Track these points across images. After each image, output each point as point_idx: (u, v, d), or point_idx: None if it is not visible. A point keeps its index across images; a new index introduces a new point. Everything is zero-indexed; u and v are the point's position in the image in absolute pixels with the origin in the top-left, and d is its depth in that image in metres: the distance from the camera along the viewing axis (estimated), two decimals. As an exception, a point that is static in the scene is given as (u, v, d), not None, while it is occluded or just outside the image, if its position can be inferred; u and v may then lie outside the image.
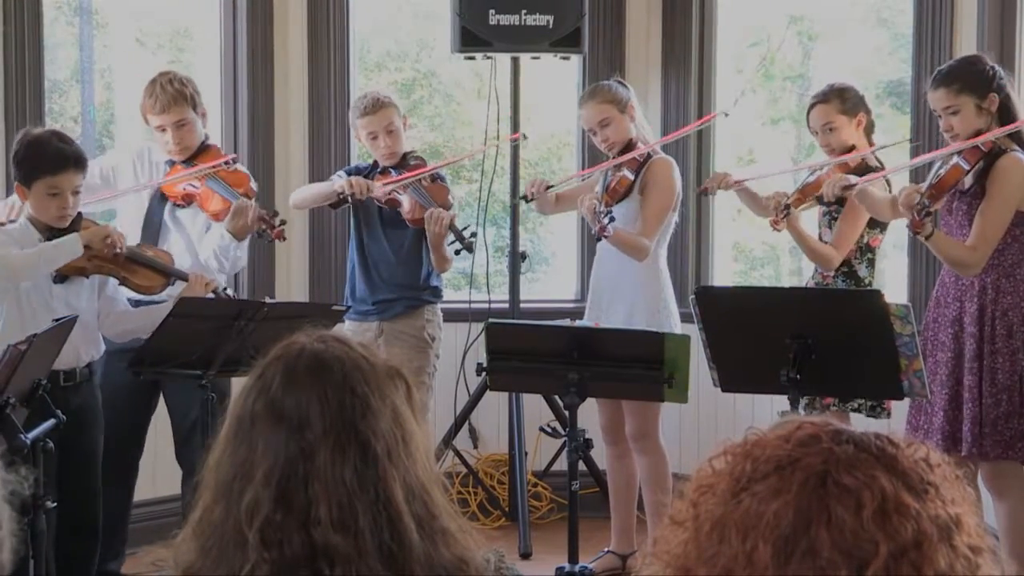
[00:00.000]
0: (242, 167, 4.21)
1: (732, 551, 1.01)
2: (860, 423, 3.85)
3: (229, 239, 3.98)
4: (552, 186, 4.39)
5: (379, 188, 4.31)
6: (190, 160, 4.07)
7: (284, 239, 4.17)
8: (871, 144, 4.17)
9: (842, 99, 4.09)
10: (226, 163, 4.08)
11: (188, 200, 4.06)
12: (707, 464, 1.09)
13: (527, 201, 4.42)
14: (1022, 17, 4.40)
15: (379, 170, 4.43)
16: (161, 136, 4.04)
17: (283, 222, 4.09)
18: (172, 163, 4.08)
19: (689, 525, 1.06)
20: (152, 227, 4.04)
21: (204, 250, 4.03)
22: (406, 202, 4.33)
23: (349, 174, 4.50)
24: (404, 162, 4.39)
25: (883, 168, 4.14)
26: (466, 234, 4.25)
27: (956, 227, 3.70)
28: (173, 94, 3.97)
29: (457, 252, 4.32)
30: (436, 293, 4.48)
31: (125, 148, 4.16)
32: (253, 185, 4.13)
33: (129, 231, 3.93)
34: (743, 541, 1.01)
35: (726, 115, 4.72)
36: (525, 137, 4.87)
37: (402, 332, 4.37)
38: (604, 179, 4.31)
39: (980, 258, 3.59)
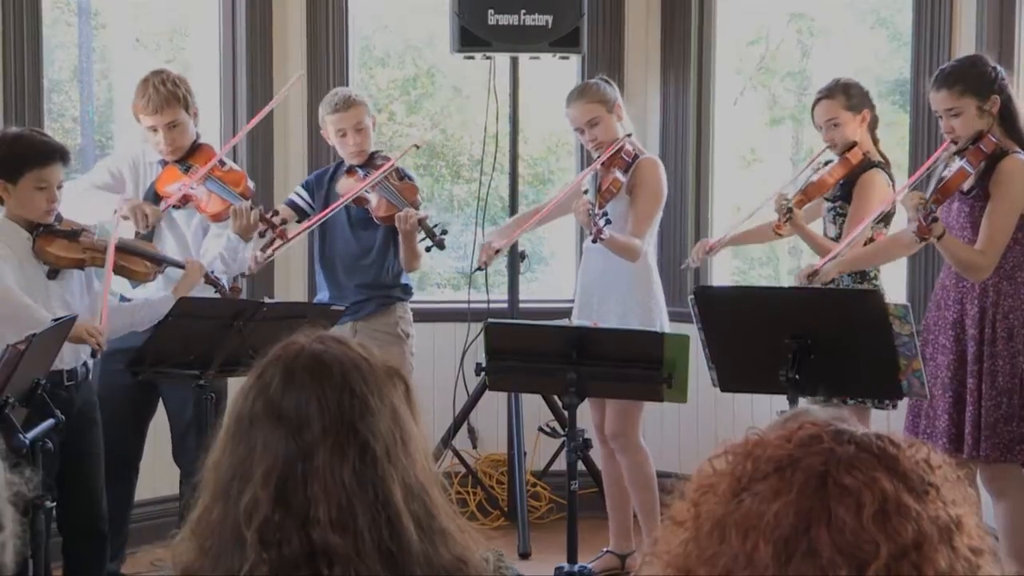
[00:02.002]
0: (236, 165, 4.20)
1: (732, 551, 1.01)
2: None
3: (236, 240, 3.98)
4: (499, 250, 4.39)
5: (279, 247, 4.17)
6: (182, 160, 4.06)
7: (287, 238, 4.15)
8: (875, 140, 4.16)
9: (847, 95, 4.08)
10: (220, 162, 4.07)
11: (185, 201, 4.05)
12: (708, 464, 1.09)
13: (482, 270, 4.46)
14: (1021, 16, 4.40)
15: (346, 168, 4.42)
16: (153, 136, 4.03)
17: (284, 221, 4.08)
18: (164, 163, 4.07)
19: (689, 525, 1.06)
20: (147, 231, 4.03)
21: (210, 253, 4.02)
22: (374, 200, 4.32)
23: (307, 186, 4.48)
24: (371, 161, 4.38)
25: (887, 163, 4.13)
26: (437, 231, 4.25)
27: (957, 229, 3.69)
28: (166, 95, 3.95)
29: (428, 249, 4.30)
30: (407, 291, 4.47)
31: (123, 152, 4.13)
32: (250, 183, 4.12)
33: (124, 230, 3.93)
34: (743, 541, 1.01)
35: None
36: (417, 148, 4.80)
37: (376, 330, 4.36)
38: (594, 181, 4.31)
39: (990, 262, 3.59)
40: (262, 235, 4.07)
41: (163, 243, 4.05)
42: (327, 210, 4.32)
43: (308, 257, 5.08)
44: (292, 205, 4.47)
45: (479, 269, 4.44)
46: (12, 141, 3.58)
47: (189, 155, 4.07)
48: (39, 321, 3.38)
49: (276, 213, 4.10)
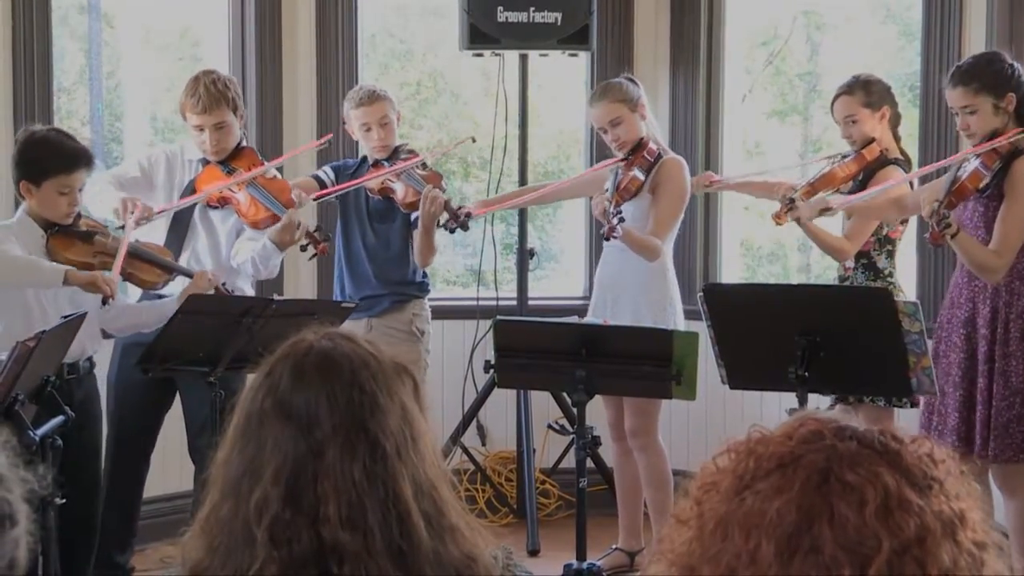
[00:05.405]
0: (279, 175, 4.21)
1: (735, 549, 1.01)
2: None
3: (272, 248, 3.98)
4: (471, 215, 4.34)
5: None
6: (225, 162, 4.07)
7: (327, 255, 4.17)
8: (896, 138, 4.15)
9: (866, 92, 4.07)
10: (264, 171, 4.08)
11: (223, 203, 4.06)
12: (711, 462, 1.09)
13: (451, 231, 4.34)
14: (1032, 12, 4.38)
15: (371, 163, 4.43)
16: (198, 135, 4.04)
17: (327, 237, 4.09)
18: (205, 162, 4.08)
19: (693, 524, 1.06)
20: (180, 226, 4.04)
21: (242, 255, 4.04)
22: (399, 188, 4.33)
23: (335, 170, 4.50)
24: (396, 155, 4.39)
25: (907, 160, 4.12)
26: (460, 214, 4.25)
27: (971, 228, 3.67)
28: (216, 95, 3.96)
29: (452, 231, 4.28)
30: (423, 288, 4.47)
31: (159, 148, 4.21)
32: (294, 195, 4.13)
33: (156, 226, 3.97)
34: (746, 539, 1.01)
35: None
36: (473, 140, 4.82)
37: (390, 327, 4.37)
38: (613, 178, 4.31)
39: (1004, 263, 3.58)
40: (303, 248, 4.08)
41: (195, 241, 4.07)
42: (353, 182, 4.31)
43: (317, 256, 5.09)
44: (315, 178, 4.48)
45: (451, 230, 4.29)
46: (37, 144, 3.60)
47: (232, 157, 4.08)
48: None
49: (320, 228, 4.12)
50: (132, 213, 3.87)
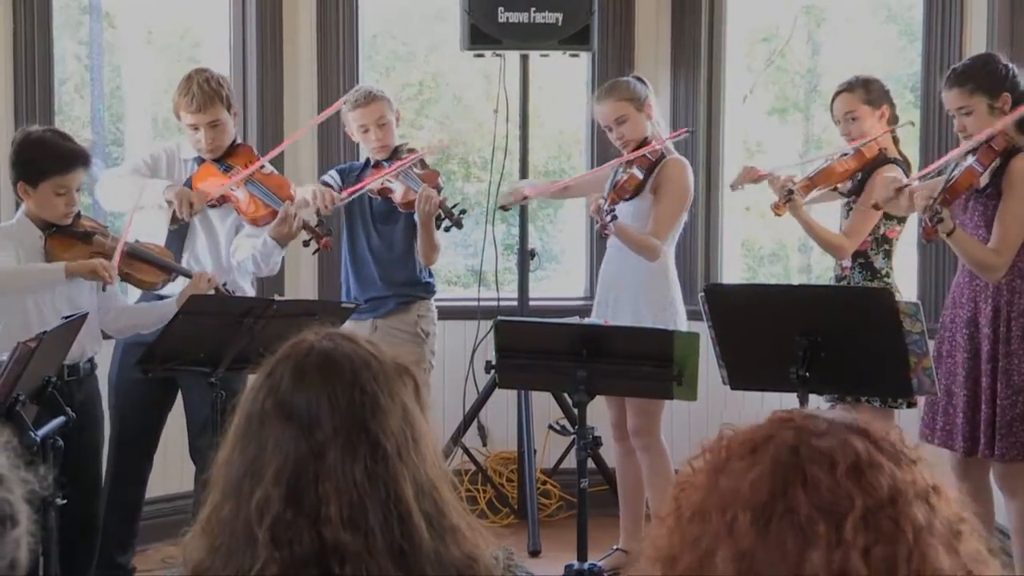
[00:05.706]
0: (275, 170, 4.21)
1: (713, 528, 1.04)
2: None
3: (272, 244, 3.98)
4: (527, 197, 4.65)
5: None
6: (221, 159, 4.07)
7: (330, 249, 4.18)
8: (895, 139, 4.15)
9: (867, 90, 4.07)
10: (261, 167, 4.08)
11: (222, 201, 4.06)
12: (687, 464, 1.12)
13: (506, 210, 4.69)
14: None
15: (372, 165, 4.44)
16: (193, 134, 4.04)
17: (329, 232, 4.09)
18: (201, 160, 4.08)
19: (671, 518, 1.09)
20: (180, 227, 4.04)
21: (241, 252, 4.04)
22: (398, 189, 4.33)
23: (340, 173, 4.50)
24: (396, 155, 4.40)
25: (906, 162, 4.12)
26: (455, 211, 4.25)
27: (972, 227, 3.67)
28: (209, 93, 3.97)
29: (447, 229, 4.29)
30: (428, 289, 4.48)
31: (158, 146, 4.24)
32: (293, 190, 4.12)
33: (153, 228, 3.96)
34: (723, 515, 1.04)
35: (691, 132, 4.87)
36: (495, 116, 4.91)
37: (395, 328, 4.37)
38: (613, 176, 4.31)
39: (1004, 261, 3.57)
40: (306, 244, 4.08)
41: (195, 240, 4.07)
42: (357, 187, 4.32)
43: (317, 256, 5.09)
44: (323, 184, 4.49)
45: (503, 208, 4.64)
46: (35, 145, 3.59)
47: (228, 155, 4.08)
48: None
49: (321, 223, 4.12)
50: (194, 205, 3.89)
